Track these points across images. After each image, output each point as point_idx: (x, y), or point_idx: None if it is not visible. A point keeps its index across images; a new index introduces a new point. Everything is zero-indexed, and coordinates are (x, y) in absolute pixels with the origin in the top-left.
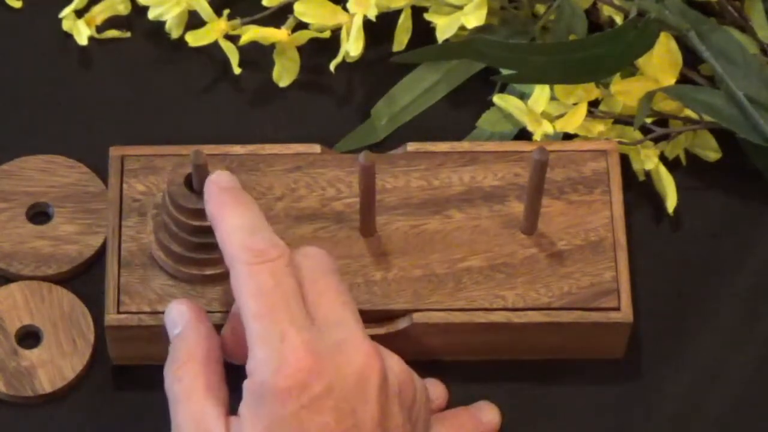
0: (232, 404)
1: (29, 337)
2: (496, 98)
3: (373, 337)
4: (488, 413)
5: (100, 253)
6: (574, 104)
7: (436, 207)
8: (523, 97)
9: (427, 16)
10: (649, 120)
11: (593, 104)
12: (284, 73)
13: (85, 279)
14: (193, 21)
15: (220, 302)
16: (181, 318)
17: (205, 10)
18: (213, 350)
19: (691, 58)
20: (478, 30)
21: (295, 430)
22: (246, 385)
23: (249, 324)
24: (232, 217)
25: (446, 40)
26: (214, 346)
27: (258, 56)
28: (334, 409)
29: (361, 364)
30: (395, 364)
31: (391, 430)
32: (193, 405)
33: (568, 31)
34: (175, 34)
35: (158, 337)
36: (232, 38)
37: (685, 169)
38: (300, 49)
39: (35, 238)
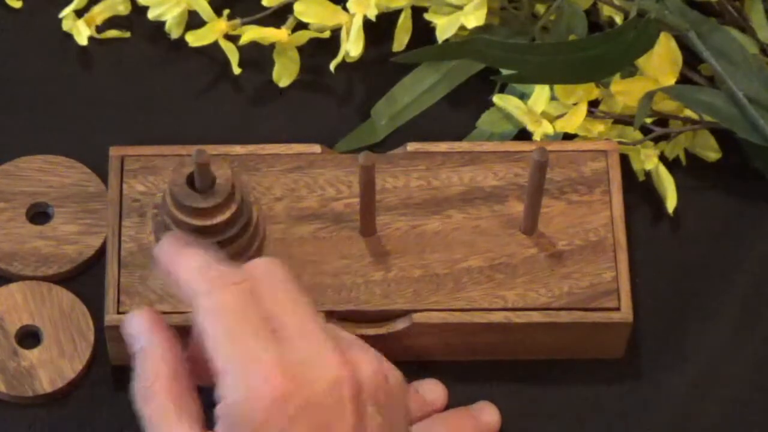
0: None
1: (29, 337)
2: (496, 98)
3: (373, 337)
4: (488, 413)
5: (100, 253)
6: (574, 104)
7: (436, 207)
8: (523, 97)
9: (427, 16)
10: (649, 120)
11: (593, 104)
12: (284, 73)
13: (85, 279)
14: (193, 21)
15: None
16: (139, 330)
17: (205, 10)
18: (178, 363)
19: (691, 58)
20: (478, 30)
21: None
22: (218, 410)
23: (215, 351)
24: (187, 261)
25: (446, 40)
26: (178, 358)
27: (258, 56)
28: (310, 427)
29: (332, 377)
30: (366, 366)
31: (370, 430)
32: (165, 427)
33: (568, 31)
34: (175, 34)
35: None
36: (232, 38)
37: (685, 169)
38: (300, 49)
39: (35, 238)
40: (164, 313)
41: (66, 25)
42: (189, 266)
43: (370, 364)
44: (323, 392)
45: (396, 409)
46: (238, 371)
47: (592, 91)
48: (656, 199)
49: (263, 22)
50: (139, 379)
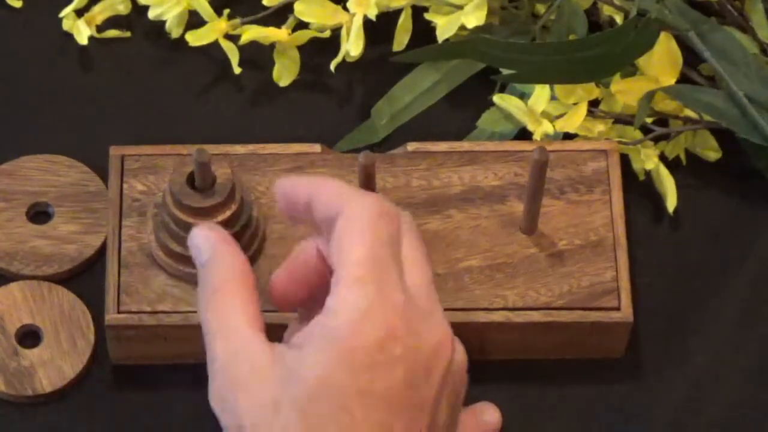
0: None
1: (29, 337)
2: (496, 98)
3: None
4: (489, 414)
5: (100, 253)
6: (574, 104)
7: (436, 207)
8: (523, 97)
9: (427, 16)
10: (649, 120)
11: (593, 104)
12: (284, 72)
13: (85, 279)
14: (193, 21)
15: None
16: (207, 243)
17: (205, 10)
18: (247, 273)
19: (691, 58)
20: (478, 30)
21: (360, 383)
22: (320, 320)
23: (351, 268)
24: (332, 181)
25: (446, 40)
26: (247, 270)
27: (258, 56)
28: (402, 377)
29: (437, 343)
30: (460, 352)
31: (437, 416)
32: (233, 335)
33: (568, 31)
34: (175, 34)
35: (158, 337)
36: (232, 38)
37: (685, 169)
38: (300, 48)
39: (35, 238)
40: (164, 312)
41: (66, 25)
42: (340, 183)
43: (462, 353)
44: (425, 352)
45: (457, 407)
46: (362, 294)
47: (592, 91)
48: (656, 199)
49: (263, 22)
50: (203, 286)
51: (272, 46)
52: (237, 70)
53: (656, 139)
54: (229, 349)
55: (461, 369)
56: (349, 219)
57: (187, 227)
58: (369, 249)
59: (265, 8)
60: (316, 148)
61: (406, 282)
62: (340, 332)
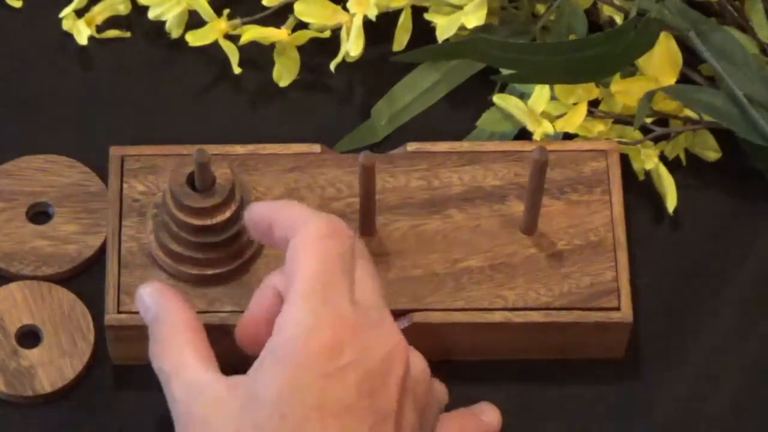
0: None
1: (29, 337)
2: (496, 98)
3: None
4: (489, 414)
5: (100, 253)
6: (574, 104)
7: (436, 207)
8: (523, 97)
9: (427, 16)
10: (649, 120)
11: (593, 104)
12: (284, 73)
13: (85, 279)
14: (193, 21)
15: (221, 302)
16: (151, 299)
17: (205, 10)
18: (193, 320)
19: (691, 58)
20: (478, 30)
21: (315, 395)
22: (270, 341)
23: (298, 285)
24: (294, 204)
25: (446, 40)
26: (193, 317)
27: (258, 56)
28: (356, 385)
29: (390, 350)
30: (418, 362)
31: (403, 426)
32: (186, 372)
33: (568, 31)
34: (175, 34)
35: None
36: (232, 38)
37: (685, 169)
38: (300, 48)
39: (35, 238)
40: None
41: (66, 25)
42: (297, 206)
43: (422, 362)
44: (377, 359)
45: (427, 415)
46: (308, 307)
47: (592, 91)
48: (656, 199)
49: (263, 22)
50: (153, 342)
51: (272, 46)
52: (237, 70)
53: (656, 139)
54: (185, 385)
55: (423, 377)
56: (300, 239)
57: (188, 228)
58: (315, 266)
59: (265, 8)
60: (316, 148)
61: (356, 296)
62: (288, 348)
